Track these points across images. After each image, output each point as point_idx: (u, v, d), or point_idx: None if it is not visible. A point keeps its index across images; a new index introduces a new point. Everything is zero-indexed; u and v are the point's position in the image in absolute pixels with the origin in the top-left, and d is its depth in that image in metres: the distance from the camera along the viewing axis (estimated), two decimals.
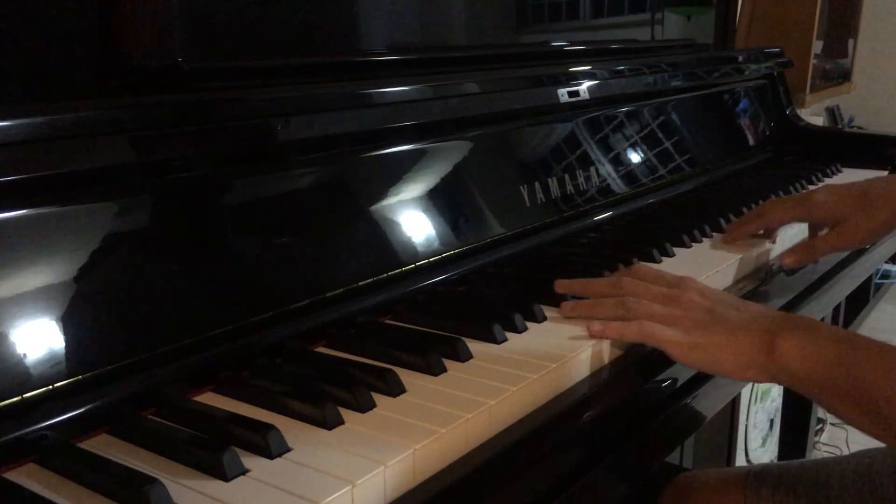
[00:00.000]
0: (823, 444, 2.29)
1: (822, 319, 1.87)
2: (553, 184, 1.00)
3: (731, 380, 0.74)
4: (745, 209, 1.11)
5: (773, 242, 1.00)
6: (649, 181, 1.19)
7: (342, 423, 0.55)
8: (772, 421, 1.85)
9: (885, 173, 1.43)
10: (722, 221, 1.05)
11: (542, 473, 0.57)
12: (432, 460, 0.53)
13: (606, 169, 1.10)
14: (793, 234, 1.04)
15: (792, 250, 0.95)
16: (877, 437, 0.64)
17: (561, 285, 0.78)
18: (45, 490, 0.49)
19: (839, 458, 0.88)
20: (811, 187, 1.33)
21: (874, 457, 0.85)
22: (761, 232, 1.00)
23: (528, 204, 0.95)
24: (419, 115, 0.85)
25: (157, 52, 0.72)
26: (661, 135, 1.25)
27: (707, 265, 0.90)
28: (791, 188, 1.27)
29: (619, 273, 0.80)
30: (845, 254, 1.10)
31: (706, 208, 1.15)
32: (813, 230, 1.01)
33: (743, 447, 1.72)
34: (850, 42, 2.77)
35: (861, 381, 0.62)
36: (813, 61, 2.17)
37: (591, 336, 0.70)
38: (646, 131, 1.22)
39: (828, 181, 1.38)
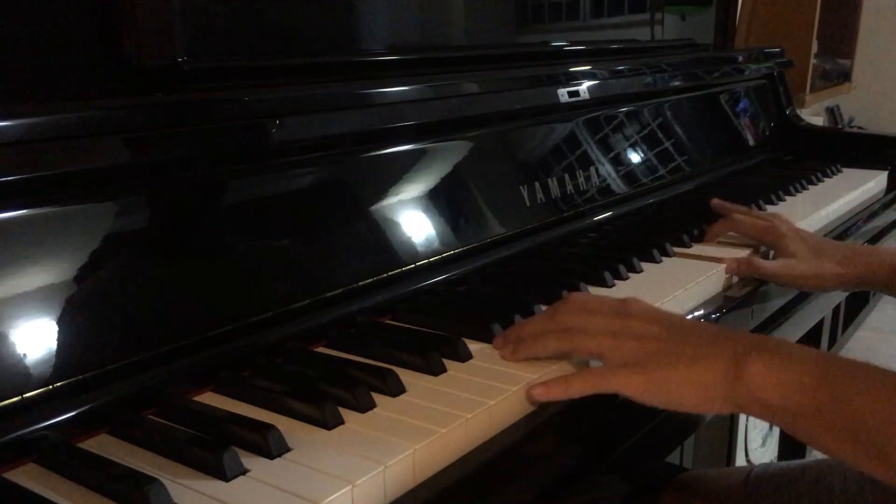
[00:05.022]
0: None
1: (822, 319, 1.88)
2: (553, 184, 1.00)
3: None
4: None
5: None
6: (649, 181, 1.19)
7: (342, 423, 0.55)
8: None
9: (885, 173, 1.43)
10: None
11: (542, 473, 0.57)
12: (432, 460, 0.53)
13: (606, 169, 1.10)
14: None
15: (736, 259, 0.92)
16: (872, 471, 0.55)
17: (497, 343, 0.68)
18: (45, 490, 0.49)
19: None
20: (811, 187, 1.33)
21: None
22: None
23: (528, 204, 0.95)
24: (419, 115, 0.85)
25: (157, 52, 0.72)
26: (660, 135, 1.25)
27: (707, 265, 0.90)
28: (791, 188, 1.27)
29: (552, 307, 0.70)
30: None
31: (706, 208, 1.15)
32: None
33: (743, 447, 1.72)
34: (851, 42, 2.77)
35: (849, 407, 0.54)
36: (813, 61, 2.17)
37: (534, 401, 0.61)
38: (646, 131, 1.22)
39: (827, 181, 1.38)
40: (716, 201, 1.06)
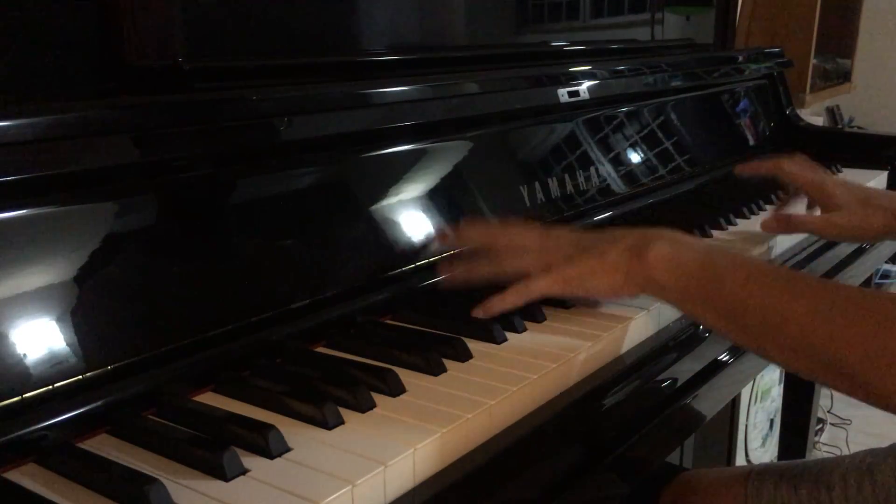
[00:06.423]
0: (823, 444, 2.29)
1: None
2: (553, 184, 1.00)
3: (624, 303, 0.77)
4: (745, 208, 1.11)
5: (773, 240, 1.00)
6: (649, 181, 1.19)
7: (342, 423, 0.55)
8: (772, 421, 1.85)
9: (885, 174, 1.43)
10: (722, 221, 1.06)
11: (542, 473, 0.57)
12: (432, 460, 0.53)
13: (606, 169, 1.10)
14: (795, 239, 1.04)
15: (772, 217, 0.96)
16: (736, 341, 0.69)
17: (448, 277, 0.79)
18: (45, 490, 0.49)
19: (841, 457, 0.88)
20: None
21: (876, 457, 0.85)
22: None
23: (528, 204, 0.95)
24: (419, 115, 0.85)
25: (157, 52, 0.72)
26: (661, 135, 1.25)
27: None
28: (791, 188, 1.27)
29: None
30: (845, 253, 1.10)
31: (706, 208, 1.15)
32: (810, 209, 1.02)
33: (743, 447, 1.72)
34: (851, 42, 2.77)
35: (721, 289, 0.65)
36: (813, 61, 2.17)
37: (479, 318, 0.71)
38: (646, 131, 1.22)
39: None
40: (739, 168, 1.07)
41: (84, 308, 0.57)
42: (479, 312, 0.72)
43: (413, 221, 0.81)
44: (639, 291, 0.71)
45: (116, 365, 0.57)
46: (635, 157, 1.18)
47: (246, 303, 0.66)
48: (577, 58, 1.24)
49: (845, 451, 2.17)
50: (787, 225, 0.95)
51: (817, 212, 0.99)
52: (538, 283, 0.72)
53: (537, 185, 0.97)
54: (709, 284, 0.66)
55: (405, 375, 0.62)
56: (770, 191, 1.22)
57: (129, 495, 0.47)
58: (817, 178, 0.98)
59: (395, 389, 0.60)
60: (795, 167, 1.00)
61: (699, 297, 0.67)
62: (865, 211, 0.93)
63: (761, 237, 1.01)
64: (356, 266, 0.75)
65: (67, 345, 0.55)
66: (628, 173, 1.15)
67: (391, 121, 0.82)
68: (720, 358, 0.80)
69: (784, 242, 1.03)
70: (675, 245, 0.69)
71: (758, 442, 1.79)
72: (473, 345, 0.67)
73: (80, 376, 0.55)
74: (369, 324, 0.74)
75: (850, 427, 2.35)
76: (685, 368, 0.73)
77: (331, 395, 0.57)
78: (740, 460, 1.71)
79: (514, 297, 0.72)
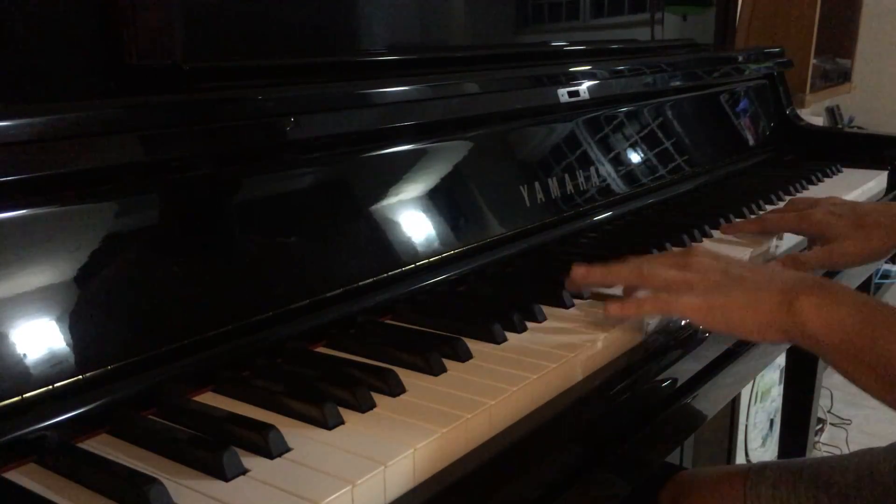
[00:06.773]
0: (823, 443, 2.29)
1: None
2: (553, 184, 1.00)
3: (749, 346, 0.75)
4: (744, 209, 1.11)
5: (780, 239, 1.00)
6: (649, 181, 1.19)
7: (342, 423, 0.55)
8: (772, 421, 1.85)
9: (885, 173, 1.43)
10: (722, 221, 1.05)
11: (542, 473, 0.57)
12: (432, 460, 0.53)
13: (606, 169, 1.10)
14: (795, 240, 1.04)
15: (781, 260, 0.94)
16: (888, 403, 0.63)
17: (579, 271, 0.76)
18: (45, 490, 0.49)
19: (840, 456, 0.89)
20: (811, 187, 1.33)
21: (875, 455, 0.85)
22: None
23: (528, 204, 0.95)
24: (419, 115, 0.85)
25: (157, 52, 0.72)
26: (660, 135, 1.25)
27: None
28: (791, 188, 1.27)
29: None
30: None
31: (706, 208, 1.15)
32: (811, 245, 1.02)
33: (743, 447, 1.72)
34: (851, 42, 2.77)
35: (882, 348, 0.61)
36: (813, 61, 2.17)
37: (610, 317, 0.69)
38: (646, 131, 1.22)
39: (828, 181, 1.38)
40: (724, 229, 1.03)
41: (84, 308, 0.57)
42: (614, 309, 0.69)
43: (413, 221, 0.81)
44: (785, 339, 0.67)
45: (116, 365, 0.57)
46: (635, 158, 1.18)
47: (246, 303, 0.66)
48: (577, 58, 1.24)
49: (845, 451, 2.17)
50: (800, 264, 0.93)
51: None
52: (682, 301, 0.68)
53: (537, 185, 0.97)
54: (867, 343, 0.61)
55: (405, 375, 0.62)
56: (769, 192, 1.22)
57: (129, 495, 0.47)
58: (802, 219, 0.96)
59: (395, 389, 0.60)
60: (777, 217, 0.99)
61: (855, 355, 0.62)
62: (864, 233, 0.92)
63: (761, 237, 1.01)
64: (356, 266, 0.75)
65: (67, 345, 0.55)
66: (628, 173, 1.15)
67: (391, 121, 0.82)
68: (720, 358, 0.79)
69: (785, 243, 1.03)
70: (831, 296, 0.64)
71: (758, 442, 1.79)
72: (473, 345, 0.67)
73: (80, 376, 0.55)
74: (369, 324, 0.74)
75: (850, 427, 2.36)
76: (685, 368, 0.73)
77: (331, 395, 0.58)
78: (740, 460, 1.72)
79: (652, 306, 0.69)
